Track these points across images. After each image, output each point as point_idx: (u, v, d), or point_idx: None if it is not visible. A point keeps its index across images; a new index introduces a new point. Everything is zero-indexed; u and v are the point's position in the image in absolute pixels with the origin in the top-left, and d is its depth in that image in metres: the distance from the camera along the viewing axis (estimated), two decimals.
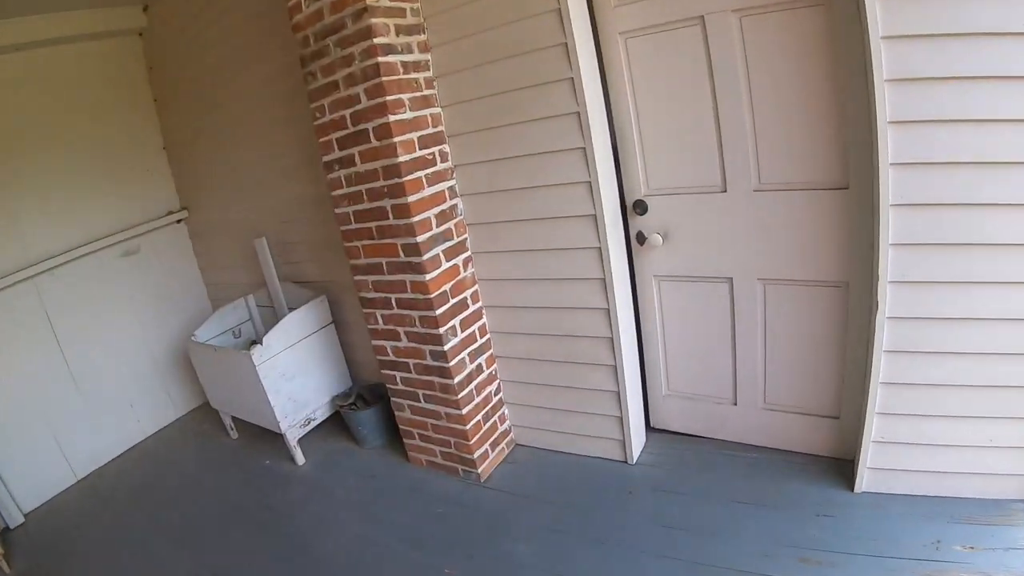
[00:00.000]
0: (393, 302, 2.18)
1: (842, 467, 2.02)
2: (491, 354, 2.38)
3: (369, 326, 2.32)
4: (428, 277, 2.04)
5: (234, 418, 3.14)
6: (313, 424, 2.84)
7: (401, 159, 1.93)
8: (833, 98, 1.67)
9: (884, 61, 1.44)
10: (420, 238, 2.00)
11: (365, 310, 2.30)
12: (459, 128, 2.11)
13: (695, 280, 2.10)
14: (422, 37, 2.04)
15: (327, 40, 1.99)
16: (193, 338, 3.01)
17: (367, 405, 2.76)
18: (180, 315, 3.60)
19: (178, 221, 3.60)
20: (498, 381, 2.44)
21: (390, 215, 2.02)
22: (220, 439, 3.26)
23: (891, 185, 1.54)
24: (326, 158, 2.15)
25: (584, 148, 1.89)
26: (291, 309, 2.94)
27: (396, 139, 1.92)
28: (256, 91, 2.74)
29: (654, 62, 1.88)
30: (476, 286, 2.28)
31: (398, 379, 2.38)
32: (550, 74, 1.86)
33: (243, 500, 2.63)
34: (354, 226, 2.15)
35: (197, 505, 2.66)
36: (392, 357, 2.33)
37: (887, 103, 1.48)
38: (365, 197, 2.07)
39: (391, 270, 2.12)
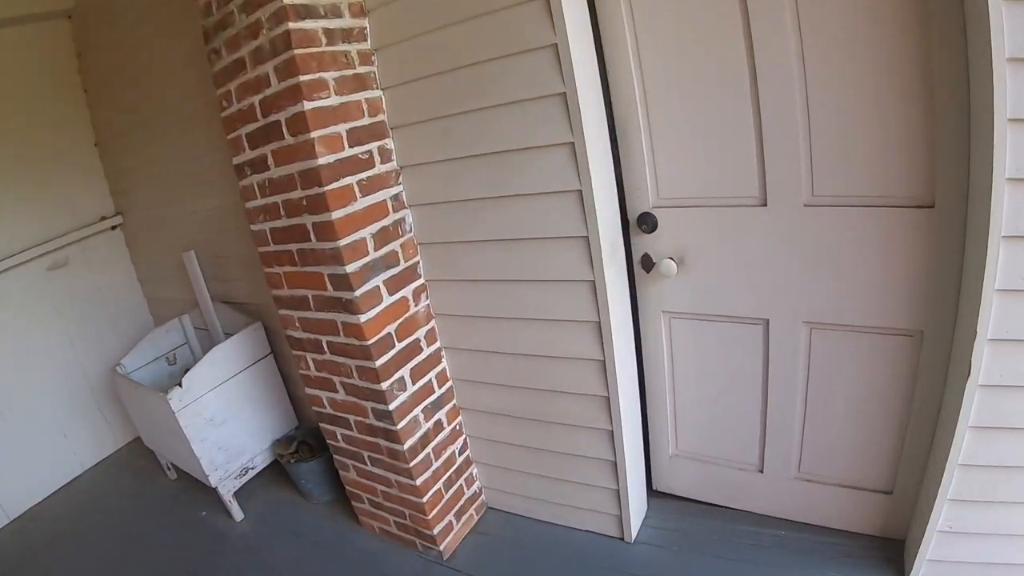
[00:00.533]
0: (324, 346, 1.71)
1: (890, 549, 1.61)
2: (454, 405, 1.92)
3: (300, 371, 1.86)
4: (363, 319, 1.56)
5: None
6: (252, 473, 2.39)
7: (321, 161, 1.45)
8: (920, 80, 1.17)
9: (1007, 31, 0.96)
10: (350, 267, 1.52)
11: (294, 352, 1.83)
12: (406, 117, 1.61)
13: (719, 320, 1.62)
14: None
15: (231, 5, 1.52)
16: (119, 368, 2.57)
17: (312, 453, 2.31)
18: (118, 333, 3.15)
19: (113, 228, 3.13)
20: (464, 437, 1.97)
21: (312, 236, 1.54)
22: (157, 479, 2.84)
23: (1005, 208, 1.07)
24: (236, 160, 1.68)
25: (572, 143, 1.40)
26: (227, 334, 2.48)
27: (314, 134, 1.44)
28: (178, 75, 2.26)
29: (669, 24, 1.37)
30: (432, 323, 1.81)
31: (339, 436, 1.92)
32: (526, 40, 1.35)
33: (172, 563, 2.21)
34: (272, 248, 1.68)
35: (124, 565, 2.25)
36: (330, 410, 1.87)
37: (1008, 92, 1.00)
38: (282, 211, 1.60)
39: (319, 306, 1.65)
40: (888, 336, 1.44)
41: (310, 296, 1.65)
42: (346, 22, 1.53)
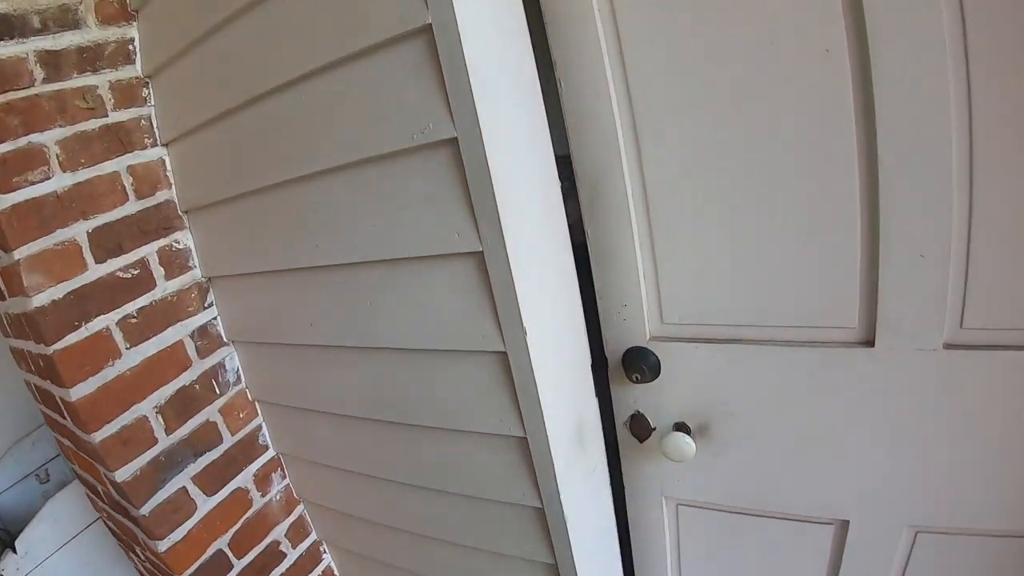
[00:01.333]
0: (139, 552, 1.10)
1: None
2: None
3: (131, 559, 1.26)
4: (163, 547, 0.94)
5: None
6: None
7: (37, 301, 0.82)
8: None
9: None
10: (122, 474, 0.89)
11: (120, 544, 1.23)
12: (212, 190, 0.96)
13: (764, 517, 0.95)
14: None
15: None
16: None
17: None
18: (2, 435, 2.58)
19: None
20: None
21: (66, 415, 0.92)
22: None
23: None
24: None
25: (480, 252, 0.71)
26: None
27: (19, 253, 0.81)
28: None
29: None
30: (300, 508, 1.16)
31: None
32: (373, 20, 0.66)
33: None
34: (45, 409, 1.07)
35: None
36: None
37: None
38: (31, 366, 0.98)
39: (112, 506, 1.04)
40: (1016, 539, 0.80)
41: (100, 491, 1.04)
42: (91, 35, 0.89)
